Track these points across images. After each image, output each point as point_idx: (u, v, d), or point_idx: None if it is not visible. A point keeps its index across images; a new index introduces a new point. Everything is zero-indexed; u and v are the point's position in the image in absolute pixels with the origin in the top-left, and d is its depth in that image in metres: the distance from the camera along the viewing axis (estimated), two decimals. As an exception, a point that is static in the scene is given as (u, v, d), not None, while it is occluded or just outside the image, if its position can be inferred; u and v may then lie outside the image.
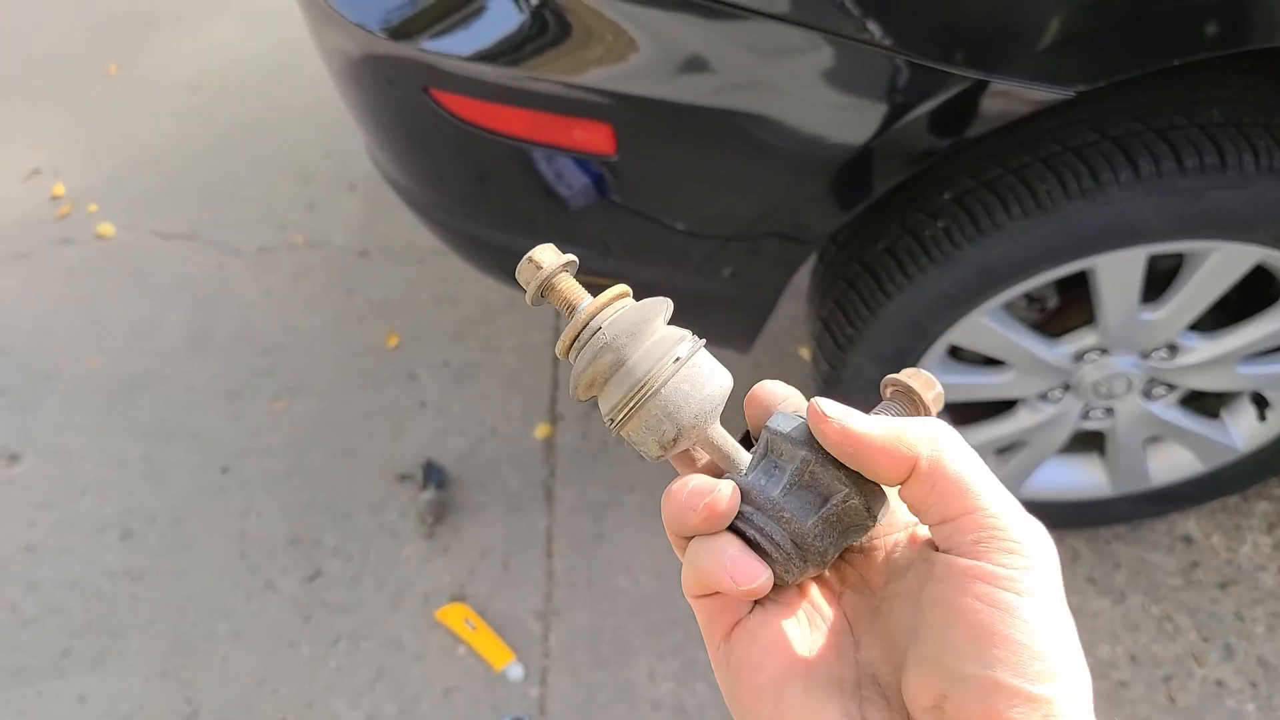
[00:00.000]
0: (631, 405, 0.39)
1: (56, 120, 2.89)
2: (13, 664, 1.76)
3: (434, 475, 1.88)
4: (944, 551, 0.37)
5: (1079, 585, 1.63)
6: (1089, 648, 1.56)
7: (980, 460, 0.38)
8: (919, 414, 0.41)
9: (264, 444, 2.02)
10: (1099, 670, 1.53)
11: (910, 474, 0.38)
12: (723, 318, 1.42)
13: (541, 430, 1.98)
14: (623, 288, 0.41)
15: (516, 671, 1.66)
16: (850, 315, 1.30)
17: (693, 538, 0.41)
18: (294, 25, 1.42)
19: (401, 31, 1.10)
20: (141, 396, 2.14)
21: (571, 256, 0.41)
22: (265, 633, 1.76)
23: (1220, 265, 1.18)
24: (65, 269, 2.45)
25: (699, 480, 0.40)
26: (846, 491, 0.39)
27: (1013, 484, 1.55)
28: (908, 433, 0.38)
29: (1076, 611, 1.66)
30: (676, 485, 0.41)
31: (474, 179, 1.31)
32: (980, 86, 0.99)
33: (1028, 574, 0.35)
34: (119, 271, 2.42)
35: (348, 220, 2.46)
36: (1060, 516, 1.63)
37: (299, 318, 2.25)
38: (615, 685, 1.64)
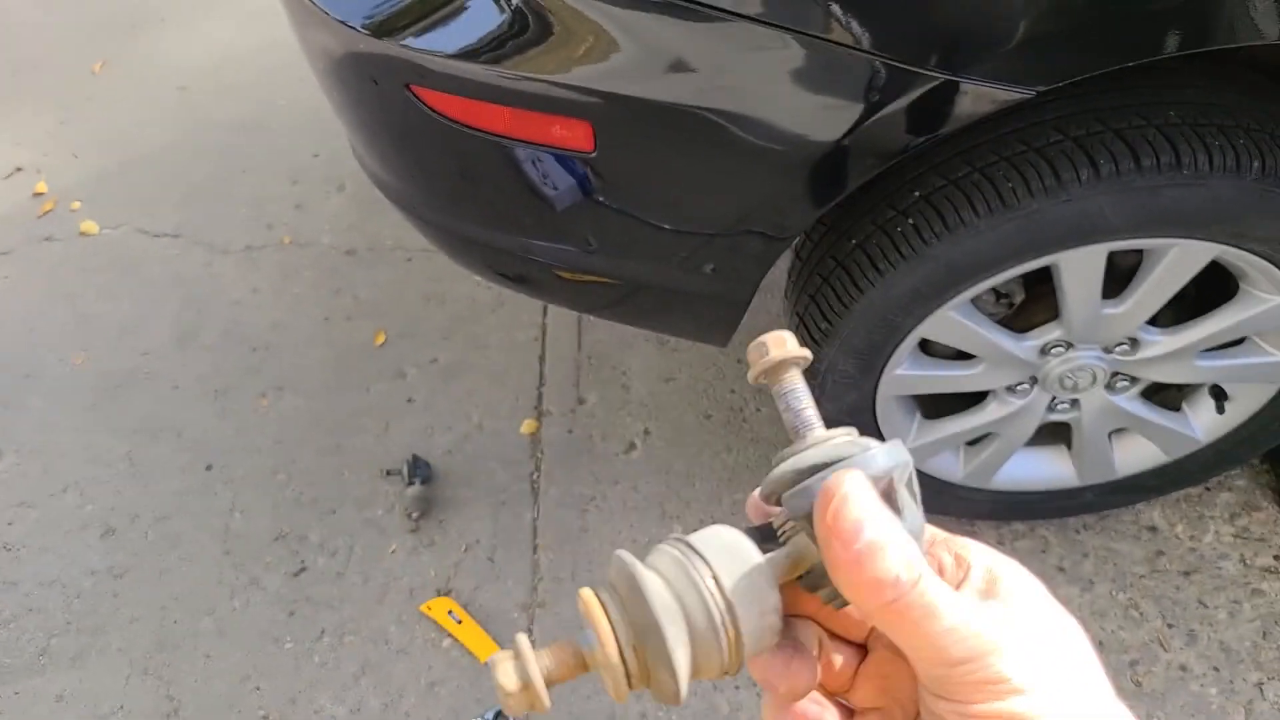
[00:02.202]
0: None
1: (40, 119, 2.90)
2: (-6, 661, 1.78)
3: (419, 470, 1.91)
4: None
5: (1049, 574, 1.68)
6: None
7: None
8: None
9: (250, 442, 2.05)
10: (1068, 657, 1.57)
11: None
12: (704, 313, 1.46)
13: (527, 426, 2.01)
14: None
15: (500, 662, 1.69)
16: (825, 310, 1.34)
17: None
18: (282, 25, 1.45)
19: (384, 29, 1.14)
20: (126, 394, 2.16)
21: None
22: (249, 629, 1.78)
23: (1177, 261, 1.22)
24: (48, 267, 2.46)
25: None
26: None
27: (984, 475, 1.59)
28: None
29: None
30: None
31: (458, 176, 1.34)
32: (946, 86, 1.03)
33: (1023, 698, 0.34)
34: (104, 269, 2.43)
35: (336, 219, 2.48)
36: (1030, 507, 1.67)
37: (286, 316, 2.27)
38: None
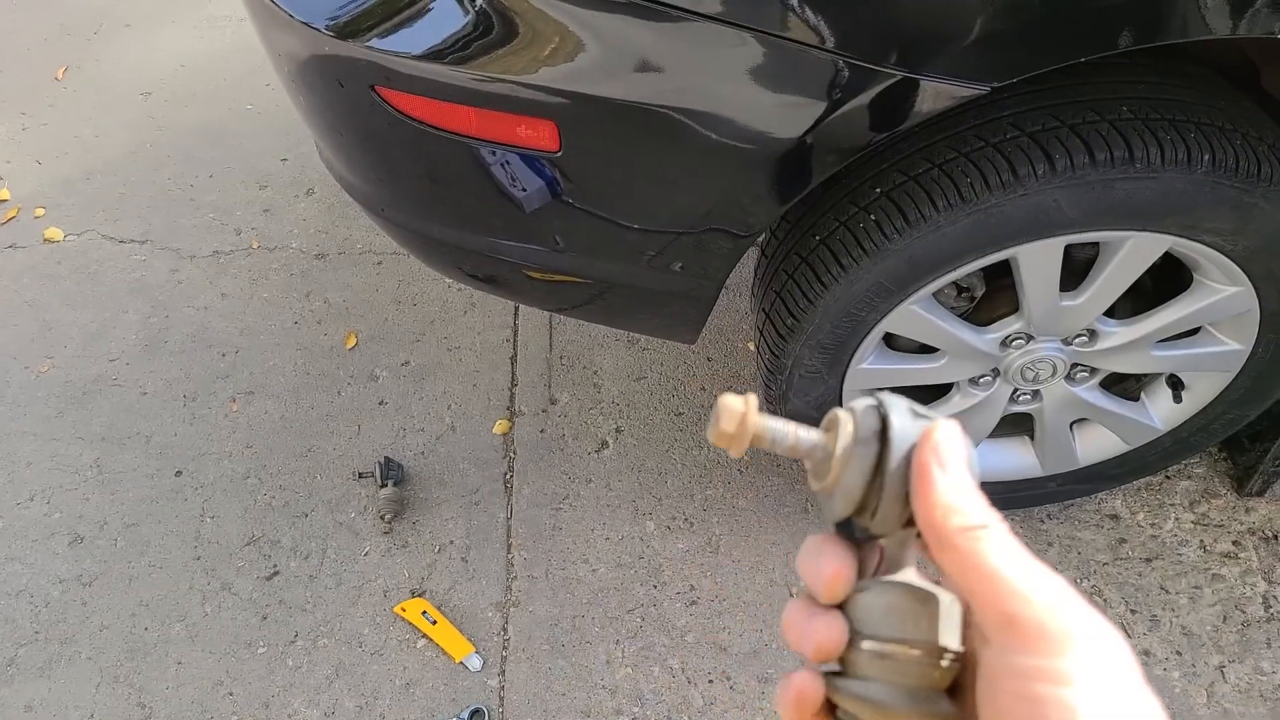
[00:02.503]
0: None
1: (2, 125, 2.86)
2: (-35, 670, 1.75)
3: (392, 472, 1.91)
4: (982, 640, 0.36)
5: (1015, 564, 1.71)
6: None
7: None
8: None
9: (220, 447, 2.03)
10: (1035, 644, 1.60)
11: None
12: (673, 311, 1.47)
13: (500, 426, 2.01)
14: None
15: (475, 662, 1.69)
16: (791, 306, 1.36)
17: None
18: (246, 30, 1.45)
19: (348, 30, 1.14)
20: (93, 401, 2.14)
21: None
22: (221, 634, 1.77)
23: (1132, 253, 1.26)
24: (12, 274, 2.43)
25: None
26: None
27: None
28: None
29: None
30: None
31: (425, 178, 1.35)
32: (903, 83, 1.05)
33: (1063, 659, 0.33)
34: (70, 276, 2.41)
35: (305, 224, 2.47)
36: (995, 498, 1.69)
37: (256, 321, 2.26)
38: (573, 672, 1.68)
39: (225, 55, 2.96)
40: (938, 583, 0.40)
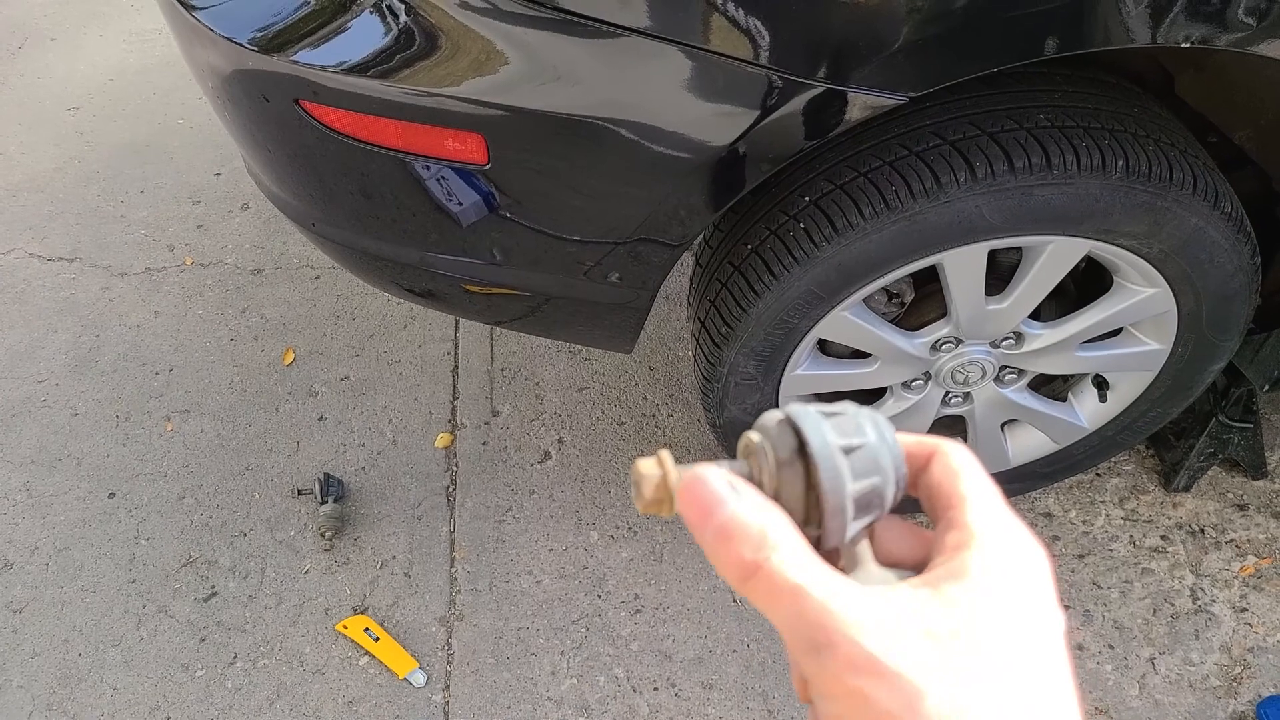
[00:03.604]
0: None
1: (-75, 143, 2.78)
2: (-114, 705, 1.69)
3: (332, 489, 1.88)
4: None
5: (954, 563, 1.74)
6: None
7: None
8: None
9: (155, 467, 1.99)
10: (973, 642, 1.63)
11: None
12: (610, 321, 1.47)
13: (442, 440, 2.00)
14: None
15: (419, 678, 1.68)
16: (725, 314, 1.37)
17: None
18: (175, 43, 1.42)
19: (272, 45, 1.13)
20: (21, 424, 2.08)
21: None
22: (158, 658, 1.73)
23: (1053, 258, 1.29)
24: (-63, 295, 2.36)
25: None
26: None
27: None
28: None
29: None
30: None
31: (356, 192, 1.34)
32: (824, 94, 1.06)
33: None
34: (-4, 296, 2.35)
35: (240, 239, 2.43)
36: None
37: (190, 338, 2.22)
38: (518, 685, 1.67)
39: (155, 68, 2.90)
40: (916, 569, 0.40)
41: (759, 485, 0.40)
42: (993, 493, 0.39)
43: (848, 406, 0.42)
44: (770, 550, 0.35)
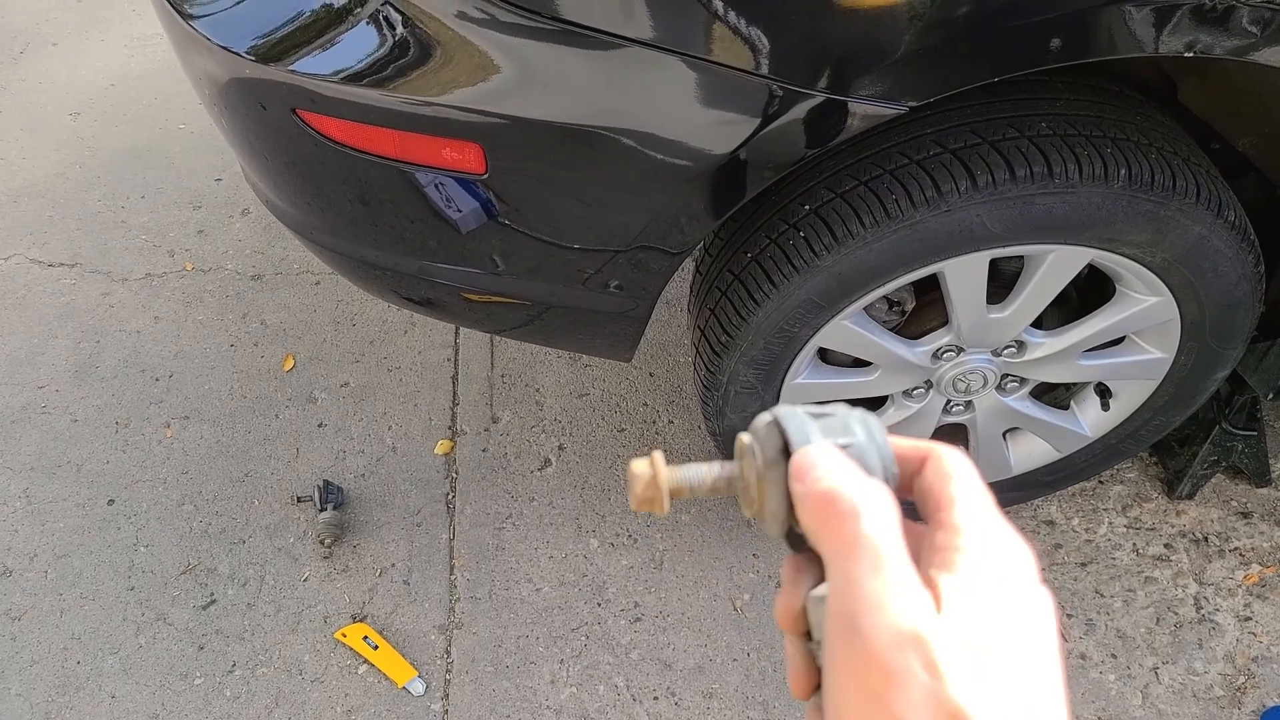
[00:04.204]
0: None
1: (-75, 148, 2.78)
2: (-116, 714, 1.69)
3: (331, 496, 1.88)
4: None
5: (955, 572, 1.73)
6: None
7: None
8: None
9: (154, 474, 1.99)
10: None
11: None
12: (610, 330, 1.47)
13: (442, 446, 1.99)
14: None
15: (418, 687, 1.67)
16: (724, 323, 1.36)
17: None
18: (171, 50, 1.42)
19: (269, 54, 1.12)
20: (21, 430, 2.08)
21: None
22: (156, 666, 1.73)
23: (1055, 267, 1.28)
24: (-63, 301, 2.36)
25: None
26: None
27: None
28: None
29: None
30: None
31: (354, 201, 1.33)
32: (823, 104, 1.06)
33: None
34: (-4, 302, 2.34)
35: (240, 245, 2.43)
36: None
37: (190, 344, 2.21)
38: (517, 694, 1.66)
39: (156, 74, 2.90)
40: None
41: (747, 485, 0.41)
42: (982, 496, 0.40)
43: (839, 408, 0.42)
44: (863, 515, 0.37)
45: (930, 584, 0.37)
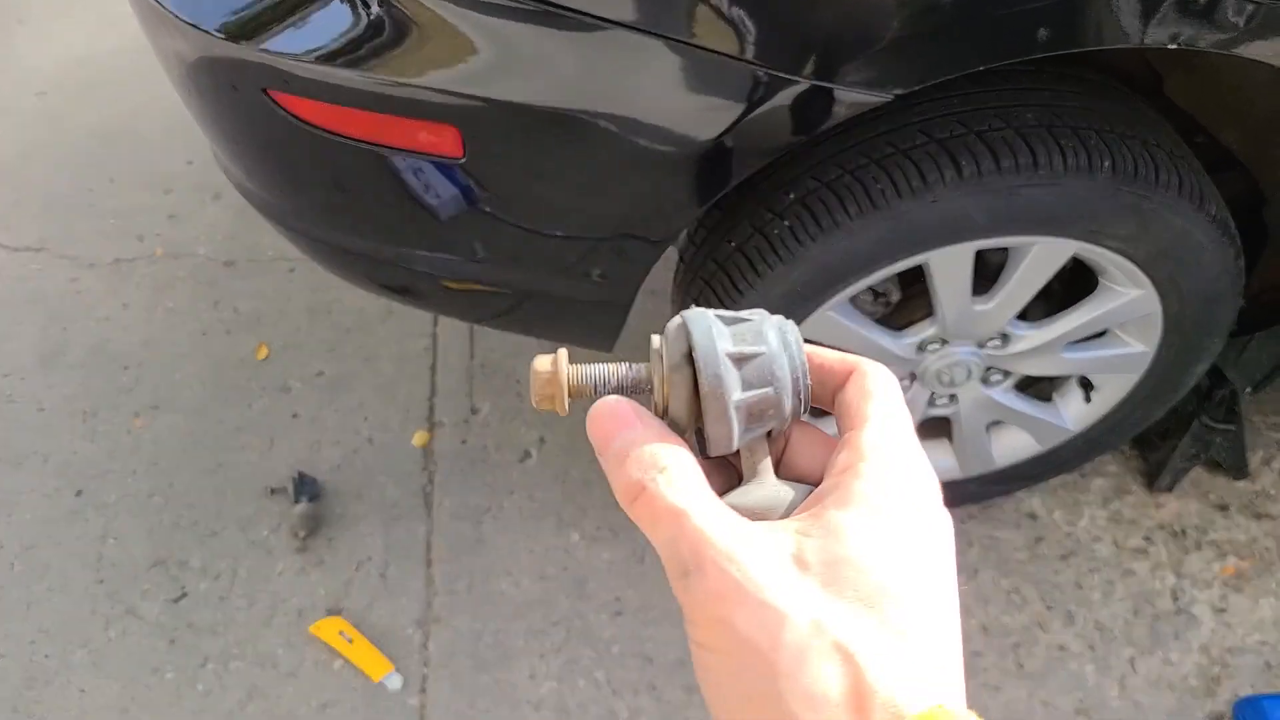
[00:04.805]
0: None
1: (-114, 128, 2.70)
2: None
3: (306, 488, 1.84)
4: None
5: (936, 564, 1.73)
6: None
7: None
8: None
9: (123, 465, 1.95)
10: (955, 643, 1.62)
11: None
12: (591, 319, 1.44)
13: (419, 438, 1.96)
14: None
15: (395, 681, 1.65)
16: (707, 313, 1.34)
17: None
18: (141, 29, 1.38)
19: (240, 32, 1.09)
20: (-14, 419, 2.03)
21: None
22: (126, 660, 1.70)
23: (1040, 258, 1.27)
24: (-102, 286, 2.30)
25: None
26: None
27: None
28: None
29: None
30: None
31: (328, 185, 1.30)
32: (808, 92, 1.04)
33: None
34: (-41, 288, 2.29)
35: (212, 230, 2.38)
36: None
37: (161, 332, 2.17)
38: (496, 689, 1.64)
39: (126, 52, 2.83)
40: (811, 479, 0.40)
41: (654, 388, 0.40)
42: (899, 418, 0.39)
43: (756, 313, 0.41)
44: (657, 473, 0.36)
45: (816, 501, 0.37)
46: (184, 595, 1.77)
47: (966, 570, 1.72)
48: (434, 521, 1.85)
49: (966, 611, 1.67)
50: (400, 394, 2.04)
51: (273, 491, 1.88)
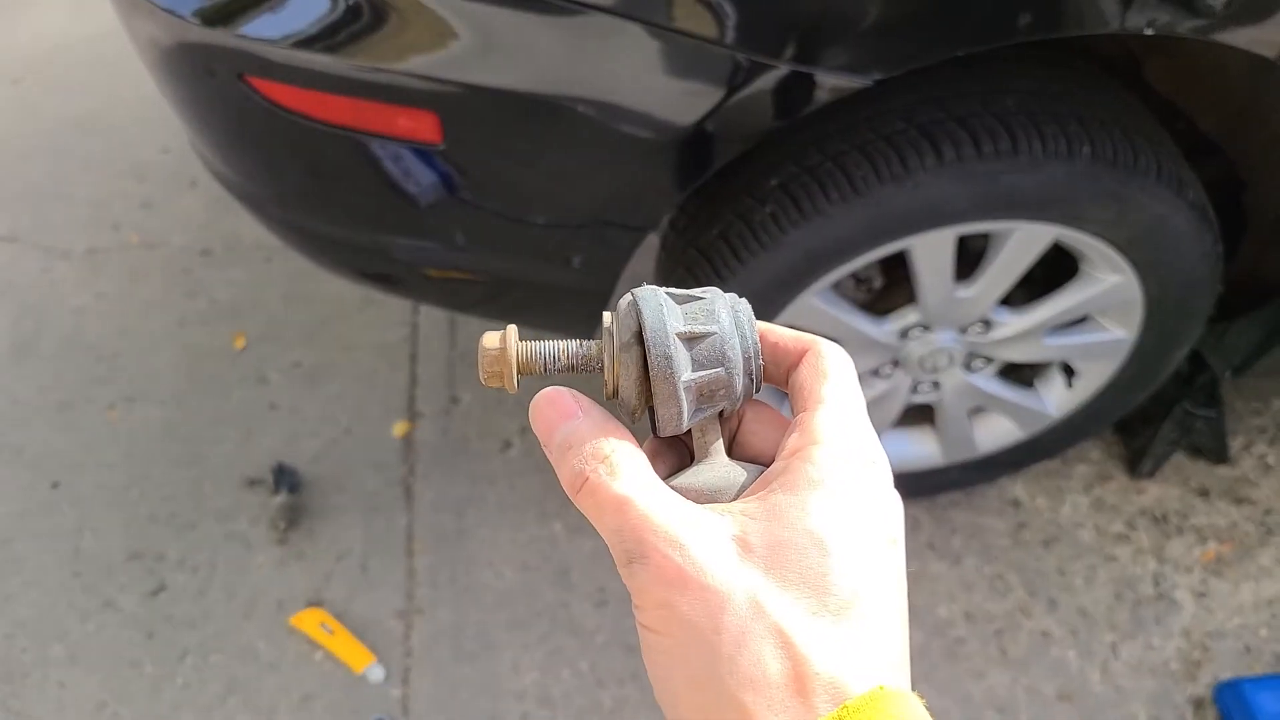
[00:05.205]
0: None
1: None
2: None
3: (285, 479, 1.83)
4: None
5: (920, 551, 1.73)
6: (929, 609, 1.66)
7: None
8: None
9: (99, 457, 1.92)
10: (938, 629, 1.63)
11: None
12: (571, 306, 1.44)
13: (400, 428, 1.95)
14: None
15: (377, 673, 1.64)
16: (689, 300, 1.33)
17: None
18: (113, 13, 1.35)
19: (216, 17, 1.07)
20: (-41, 412, 2.00)
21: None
22: (104, 654, 1.68)
23: (1021, 243, 1.27)
24: None
25: None
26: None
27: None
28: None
29: (918, 577, 1.74)
30: None
31: (307, 172, 1.28)
32: (788, 76, 1.03)
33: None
34: (-70, 278, 2.25)
35: (188, 218, 2.35)
36: (901, 487, 1.71)
37: (136, 322, 2.14)
38: (479, 679, 1.63)
39: (101, 38, 2.78)
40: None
41: (602, 366, 0.40)
42: (852, 400, 0.39)
43: (708, 291, 0.40)
44: (599, 463, 0.36)
45: (764, 484, 0.37)
46: (162, 588, 1.75)
47: (950, 557, 1.73)
48: (415, 512, 1.83)
49: (950, 598, 1.68)
50: (379, 384, 2.02)
51: (251, 483, 1.86)
